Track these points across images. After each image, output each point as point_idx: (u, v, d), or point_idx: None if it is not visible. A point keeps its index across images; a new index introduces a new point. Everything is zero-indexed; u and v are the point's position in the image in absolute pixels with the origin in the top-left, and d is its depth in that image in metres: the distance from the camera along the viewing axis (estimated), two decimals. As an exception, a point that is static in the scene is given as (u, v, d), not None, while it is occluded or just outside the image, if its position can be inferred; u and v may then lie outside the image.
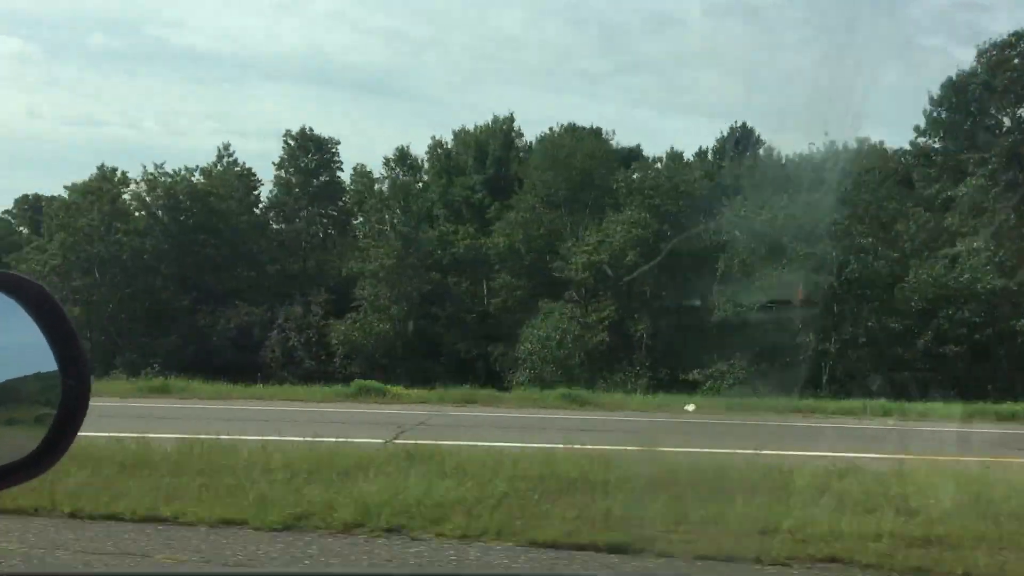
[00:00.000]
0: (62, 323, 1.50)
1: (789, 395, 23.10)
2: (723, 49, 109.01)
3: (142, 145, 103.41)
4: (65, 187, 47.61)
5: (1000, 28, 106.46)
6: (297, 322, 42.26)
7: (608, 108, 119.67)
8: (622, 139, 49.99)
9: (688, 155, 50.44)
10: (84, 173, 64.66)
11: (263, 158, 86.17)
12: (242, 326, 42.41)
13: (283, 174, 51.02)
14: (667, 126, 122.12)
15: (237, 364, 35.26)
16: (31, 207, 63.94)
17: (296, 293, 44.28)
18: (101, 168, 47.31)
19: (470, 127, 51.94)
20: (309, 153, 50.60)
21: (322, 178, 50.98)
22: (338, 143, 51.25)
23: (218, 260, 46.15)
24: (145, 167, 47.27)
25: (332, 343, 41.25)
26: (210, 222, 46.42)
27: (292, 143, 50.50)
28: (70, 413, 1.48)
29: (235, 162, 51.19)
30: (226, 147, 51.28)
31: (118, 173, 47.05)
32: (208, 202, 47.08)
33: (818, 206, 37.02)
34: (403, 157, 51.81)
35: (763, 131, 47.86)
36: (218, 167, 50.47)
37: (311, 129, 51.00)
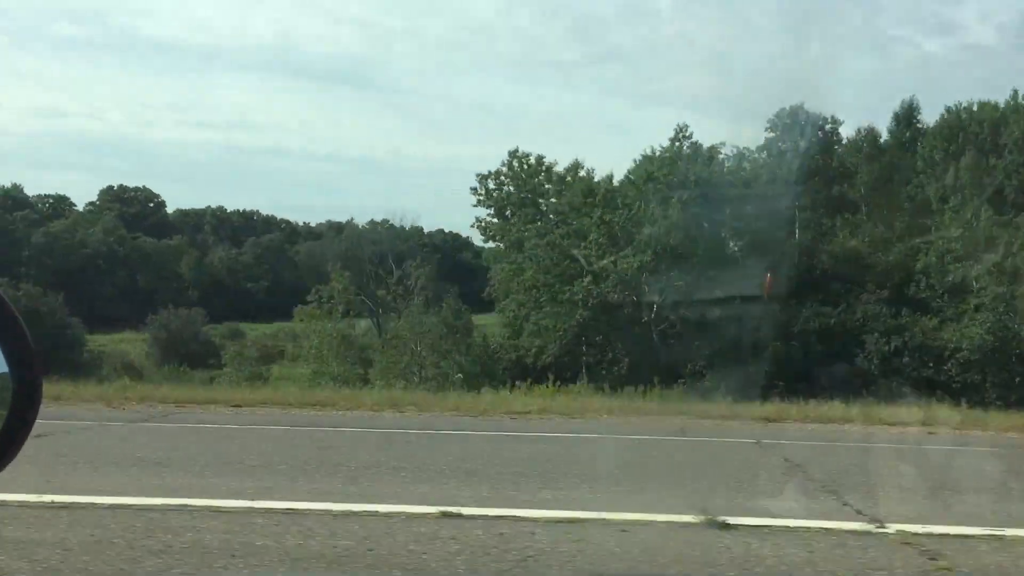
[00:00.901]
0: (11, 322, 1.46)
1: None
2: (695, 38, 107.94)
3: (107, 136, 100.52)
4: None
5: (967, 19, 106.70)
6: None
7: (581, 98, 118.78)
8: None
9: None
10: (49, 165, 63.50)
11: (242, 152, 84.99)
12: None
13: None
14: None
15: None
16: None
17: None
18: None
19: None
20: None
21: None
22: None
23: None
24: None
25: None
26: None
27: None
28: (20, 415, 1.46)
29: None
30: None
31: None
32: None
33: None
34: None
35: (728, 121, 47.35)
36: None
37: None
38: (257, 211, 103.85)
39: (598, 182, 43.80)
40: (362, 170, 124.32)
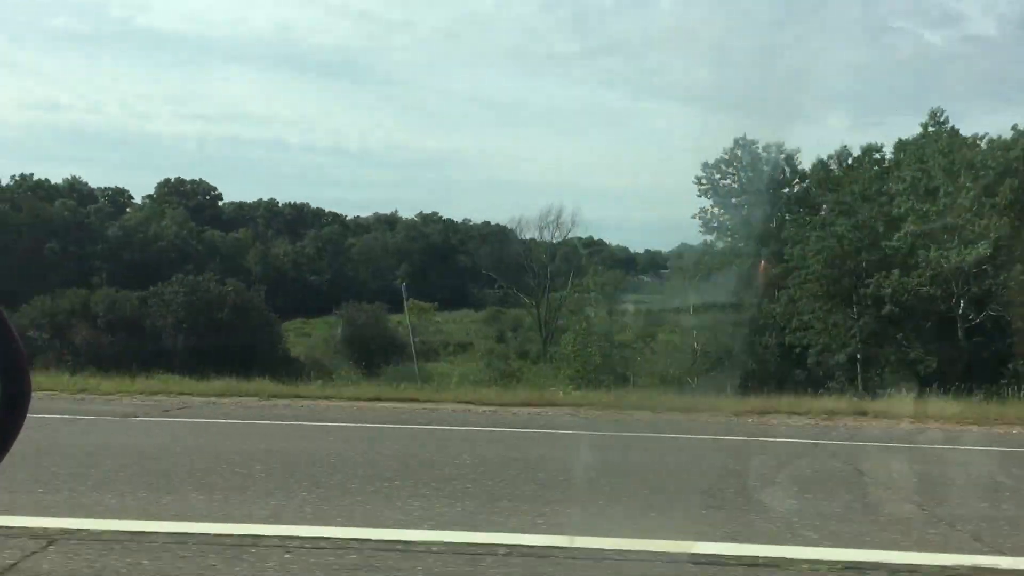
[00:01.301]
0: (3, 333, 1.45)
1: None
2: (695, 30, 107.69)
3: (104, 130, 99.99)
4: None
5: (970, 10, 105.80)
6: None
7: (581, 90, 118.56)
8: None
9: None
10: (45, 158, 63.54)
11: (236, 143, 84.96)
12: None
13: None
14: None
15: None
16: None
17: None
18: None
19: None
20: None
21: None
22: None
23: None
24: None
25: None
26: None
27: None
28: (9, 417, 1.45)
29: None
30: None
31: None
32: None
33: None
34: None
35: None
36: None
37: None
38: (307, 204, 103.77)
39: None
40: (361, 163, 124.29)
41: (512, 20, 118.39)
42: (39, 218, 70.66)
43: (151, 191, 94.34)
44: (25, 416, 1.50)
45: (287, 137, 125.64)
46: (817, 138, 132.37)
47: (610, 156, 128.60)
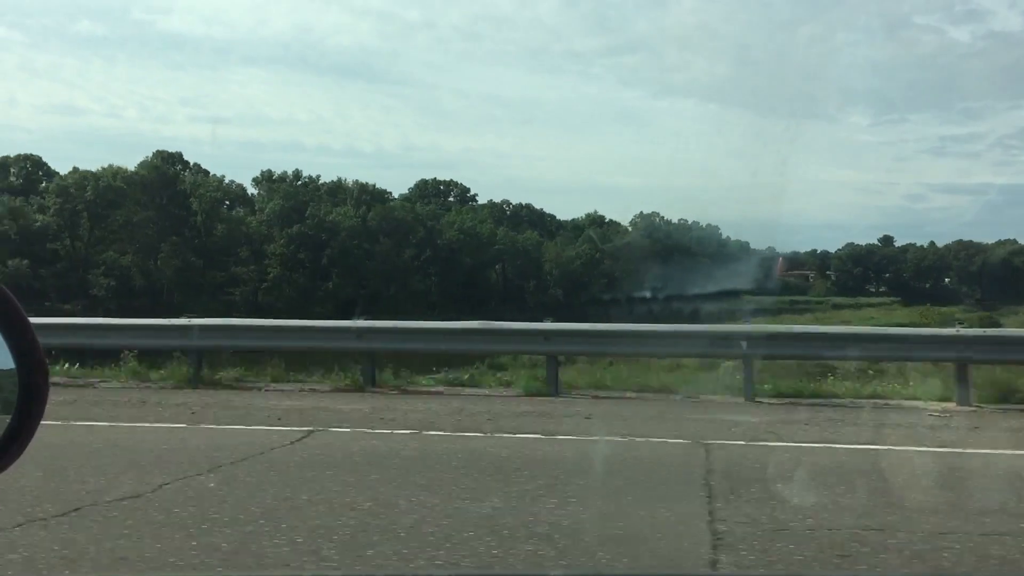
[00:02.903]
0: (15, 314, 1.45)
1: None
2: (716, 28, 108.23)
3: (121, 134, 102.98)
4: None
5: (995, 5, 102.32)
6: None
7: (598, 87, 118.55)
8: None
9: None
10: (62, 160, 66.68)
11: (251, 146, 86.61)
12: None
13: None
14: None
15: None
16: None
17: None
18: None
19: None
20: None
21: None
22: None
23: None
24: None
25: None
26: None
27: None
28: (27, 409, 1.45)
29: None
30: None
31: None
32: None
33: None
34: None
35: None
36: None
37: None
38: (529, 204, 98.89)
39: None
40: (377, 164, 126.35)
41: (531, 19, 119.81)
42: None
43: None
44: (45, 405, 1.47)
45: (303, 139, 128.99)
46: (836, 136, 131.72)
47: (628, 154, 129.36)
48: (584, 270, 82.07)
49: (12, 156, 69.44)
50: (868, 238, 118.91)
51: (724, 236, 75.46)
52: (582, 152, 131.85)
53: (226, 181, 72.74)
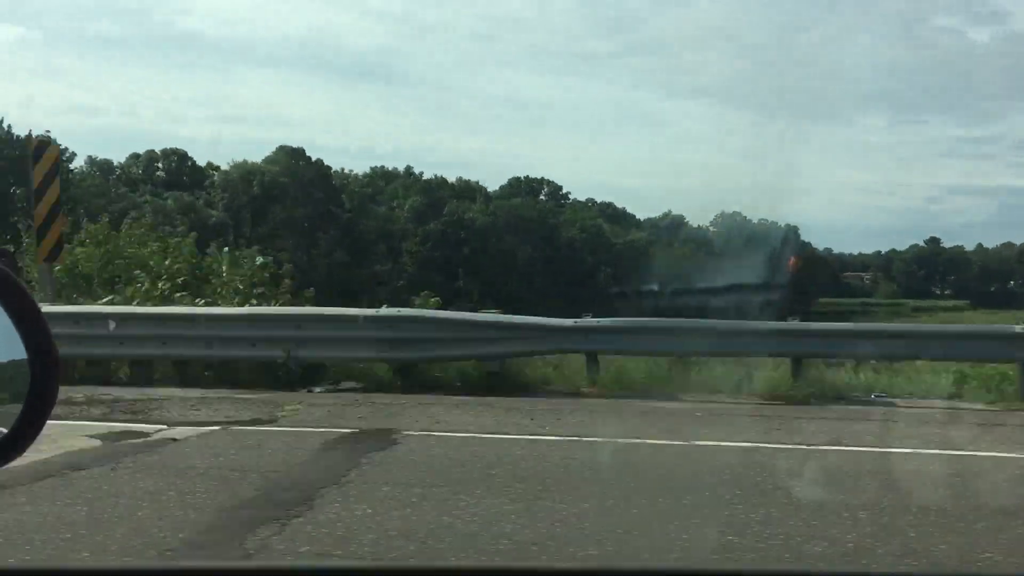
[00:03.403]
0: (24, 302, 1.45)
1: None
2: (731, 28, 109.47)
3: (138, 133, 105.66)
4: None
5: (1015, 7, 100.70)
6: None
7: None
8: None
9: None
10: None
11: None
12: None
13: None
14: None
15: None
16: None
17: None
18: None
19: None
20: None
21: None
22: None
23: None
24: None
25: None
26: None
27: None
28: (40, 396, 1.45)
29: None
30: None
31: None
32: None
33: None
34: None
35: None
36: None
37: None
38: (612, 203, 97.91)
39: None
40: (392, 164, 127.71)
41: (547, 21, 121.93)
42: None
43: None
44: (57, 387, 1.48)
45: (320, 140, 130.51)
46: (852, 137, 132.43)
47: (643, 156, 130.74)
48: (692, 270, 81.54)
49: (159, 150, 72.16)
50: (888, 241, 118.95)
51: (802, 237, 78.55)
52: (594, 153, 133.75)
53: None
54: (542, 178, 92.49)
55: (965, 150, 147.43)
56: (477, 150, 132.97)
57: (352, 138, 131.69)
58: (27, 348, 1.44)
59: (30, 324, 1.45)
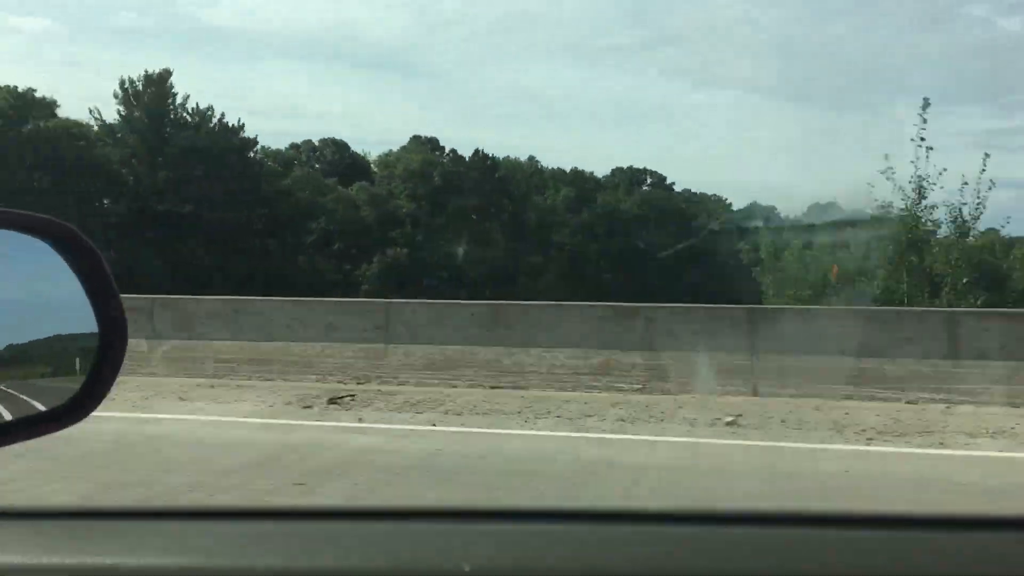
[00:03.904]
0: (96, 265, 1.45)
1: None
2: (757, 19, 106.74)
3: None
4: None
5: None
6: None
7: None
8: None
9: None
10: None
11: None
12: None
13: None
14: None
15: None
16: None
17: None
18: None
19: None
20: None
21: None
22: None
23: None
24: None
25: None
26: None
27: None
28: (107, 359, 1.44)
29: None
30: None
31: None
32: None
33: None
34: None
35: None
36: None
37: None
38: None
39: None
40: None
41: (569, 11, 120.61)
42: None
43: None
44: (124, 353, 1.45)
45: (339, 132, 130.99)
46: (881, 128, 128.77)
47: (664, 147, 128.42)
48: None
49: (317, 140, 72.11)
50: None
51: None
52: (617, 144, 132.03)
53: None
54: (643, 167, 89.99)
55: (997, 141, 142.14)
56: (494, 143, 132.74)
57: (370, 130, 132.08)
58: (95, 310, 1.44)
59: (100, 285, 1.45)
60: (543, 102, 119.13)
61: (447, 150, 71.86)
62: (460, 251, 61.68)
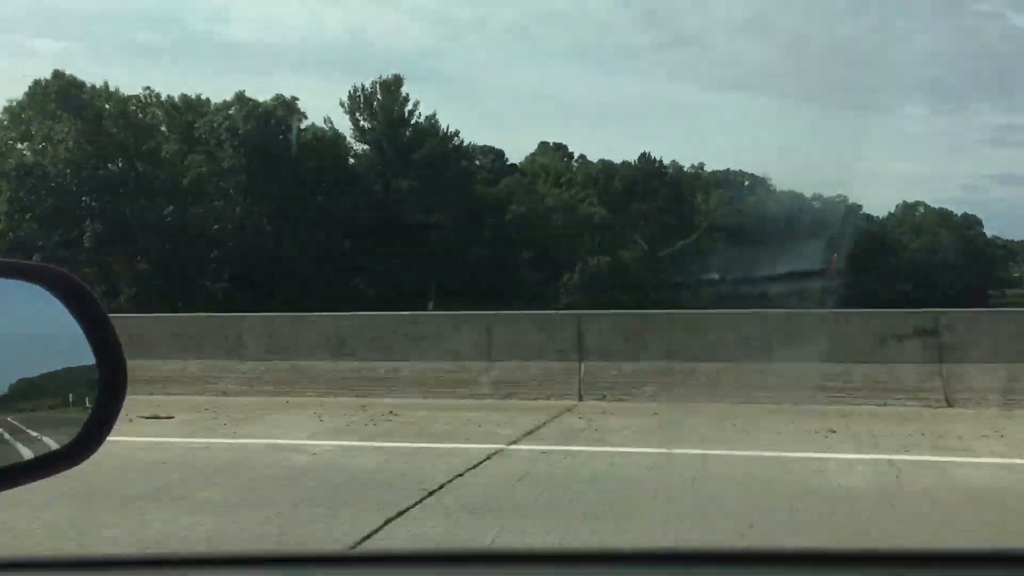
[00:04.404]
0: (93, 309, 1.49)
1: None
2: (769, 19, 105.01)
3: None
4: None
5: None
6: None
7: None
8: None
9: None
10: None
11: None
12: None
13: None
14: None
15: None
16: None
17: None
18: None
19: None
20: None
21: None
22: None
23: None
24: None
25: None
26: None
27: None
28: (107, 401, 1.48)
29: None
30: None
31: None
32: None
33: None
34: None
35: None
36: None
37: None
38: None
39: None
40: None
41: (584, 14, 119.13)
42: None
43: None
44: (125, 393, 1.48)
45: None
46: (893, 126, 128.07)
47: (675, 147, 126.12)
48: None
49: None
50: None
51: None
52: (634, 146, 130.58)
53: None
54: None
55: (1009, 138, 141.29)
56: (510, 147, 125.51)
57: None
58: (95, 352, 1.48)
59: (97, 328, 1.49)
60: (557, 104, 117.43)
61: (576, 155, 72.80)
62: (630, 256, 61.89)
